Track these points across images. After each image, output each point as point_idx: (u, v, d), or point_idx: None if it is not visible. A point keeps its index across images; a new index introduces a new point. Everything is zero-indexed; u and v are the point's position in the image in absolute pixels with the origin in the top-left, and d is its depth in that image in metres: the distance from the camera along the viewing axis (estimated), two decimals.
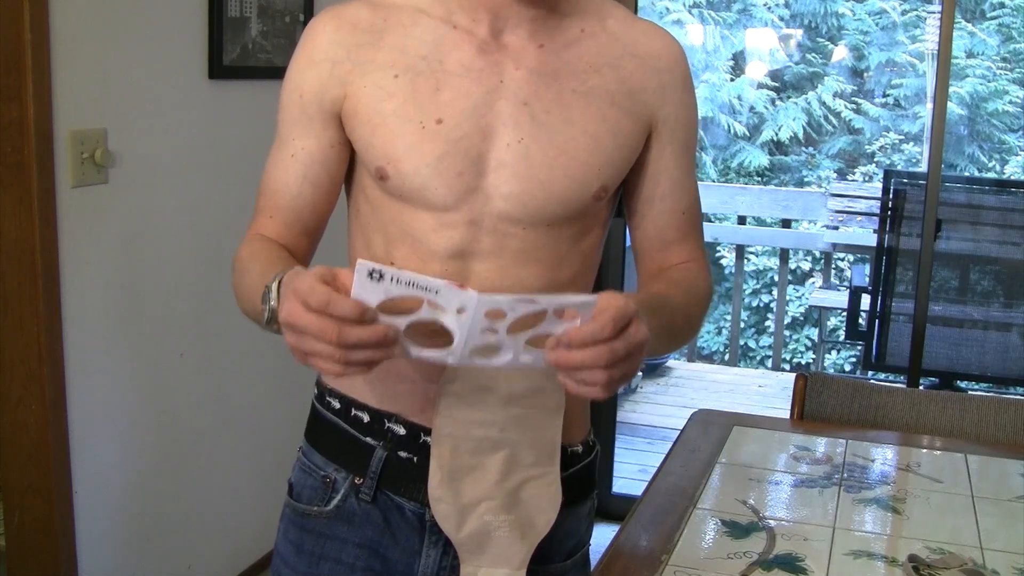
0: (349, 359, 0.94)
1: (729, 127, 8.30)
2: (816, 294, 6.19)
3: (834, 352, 7.03)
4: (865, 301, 4.30)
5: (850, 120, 8.24)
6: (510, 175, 1.14)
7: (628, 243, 3.51)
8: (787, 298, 6.72)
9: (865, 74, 8.38)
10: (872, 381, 2.86)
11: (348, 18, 1.18)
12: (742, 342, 7.27)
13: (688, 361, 5.75)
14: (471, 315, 0.94)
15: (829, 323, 6.75)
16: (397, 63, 1.15)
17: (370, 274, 0.92)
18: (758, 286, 7.66)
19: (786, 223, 6.54)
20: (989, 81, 7.78)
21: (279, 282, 1.04)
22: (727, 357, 6.32)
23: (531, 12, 1.16)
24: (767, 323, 7.50)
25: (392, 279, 0.92)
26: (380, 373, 1.20)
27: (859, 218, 6.20)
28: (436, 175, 1.13)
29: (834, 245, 6.06)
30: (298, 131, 1.20)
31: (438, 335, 0.97)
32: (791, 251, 6.65)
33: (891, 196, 4.04)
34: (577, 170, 1.15)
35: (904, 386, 3.33)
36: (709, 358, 6.74)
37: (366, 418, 1.22)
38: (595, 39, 1.19)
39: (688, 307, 1.21)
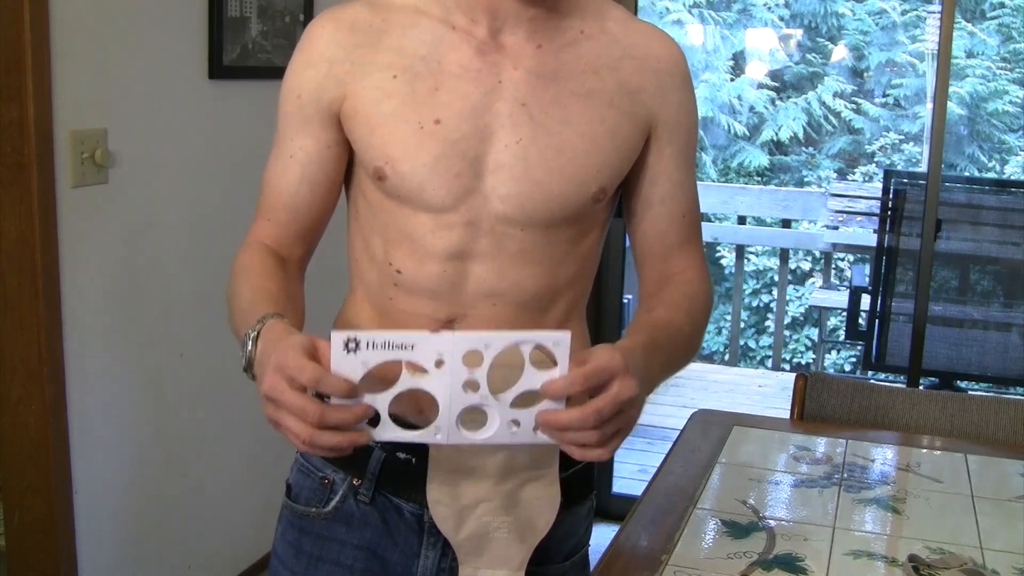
0: (316, 441, 0.95)
1: (729, 127, 8.30)
2: (816, 294, 6.19)
3: (834, 352, 7.03)
4: (865, 301, 4.30)
5: (850, 120, 8.24)
6: (508, 176, 1.14)
7: (627, 242, 3.50)
8: (787, 298, 6.71)
9: (865, 74, 8.38)
10: (872, 381, 2.86)
11: (346, 19, 1.18)
12: (742, 342, 7.27)
13: None
14: (450, 365, 0.95)
15: (829, 323, 6.75)
16: (395, 64, 1.15)
17: (346, 345, 0.93)
18: (758, 286, 7.66)
19: (786, 223, 6.54)
20: (989, 81, 7.78)
21: (257, 333, 1.05)
22: (727, 357, 6.32)
23: (530, 12, 1.16)
24: (767, 323, 7.50)
25: (368, 344, 0.93)
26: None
27: (859, 218, 6.20)
28: (434, 176, 1.13)
29: (834, 245, 6.05)
30: (296, 132, 1.20)
31: (424, 411, 0.98)
32: (791, 251, 6.65)
33: (891, 196, 4.04)
34: (575, 172, 1.15)
35: (904, 386, 3.33)
36: (709, 358, 6.74)
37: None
38: (594, 40, 1.19)
39: (690, 328, 1.20)
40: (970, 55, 7.78)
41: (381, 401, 0.97)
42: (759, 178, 8.38)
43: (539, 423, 0.98)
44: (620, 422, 0.99)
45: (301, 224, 1.23)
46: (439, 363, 0.95)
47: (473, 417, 0.99)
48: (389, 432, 0.98)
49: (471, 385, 0.97)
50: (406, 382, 0.97)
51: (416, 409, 1.19)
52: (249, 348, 1.05)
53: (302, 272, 1.26)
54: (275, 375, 0.95)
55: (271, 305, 1.09)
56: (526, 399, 0.98)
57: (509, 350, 0.96)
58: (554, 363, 0.97)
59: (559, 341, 0.96)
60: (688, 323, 1.20)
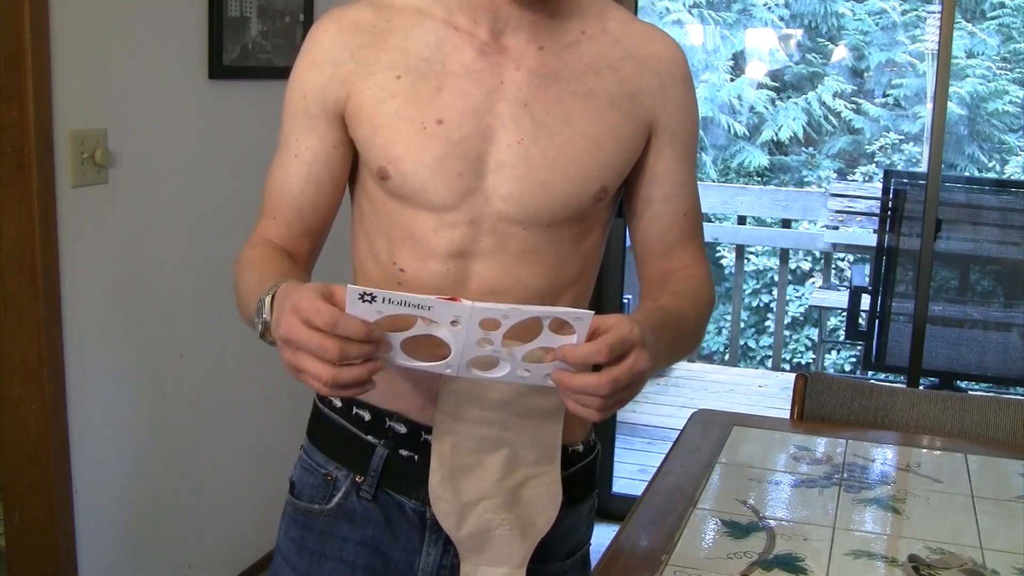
0: (339, 378, 0.94)
1: (729, 127, 8.30)
2: (816, 294, 6.19)
3: (834, 352, 7.03)
4: (865, 301, 4.30)
5: (850, 120, 8.24)
6: (509, 176, 1.14)
7: (629, 243, 3.50)
8: (787, 298, 6.71)
9: (865, 74, 8.38)
10: (872, 381, 2.86)
11: (350, 20, 1.18)
12: (742, 342, 7.27)
13: (688, 361, 5.75)
14: (465, 326, 0.95)
15: (829, 323, 6.75)
16: (399, 64, 1.15)
17: (361, 297, 0.93)
18: (758, 286, 7.66)
19: (786, 223, 6.54)
20: (989, 81, 7.77)
21: (272, 296, 1.04)
22: (727, 357, 6.32)
23: (530, 15, 1.16)
24: (767, 323, 7.50)
25: (384, 300, 0.93)
26: (381, 371, 1.20)
27: (859, 218, 6.20)
28: (436, 175, 1.13)
29: (834, 245, 6.05)
30: (301, 131, 1.20)
31: (436, 348, 0.98)
32: (791, 251, 6.65)
33: (891, 196, 4.04)
34: (576, 172, 1.15)
35: (904, 386, 3.33)
36: (709, 358, 6.74)
37: (367, 416, 1.22)
38: (595, 41, 1.19)
39: (695, 317, 1.21)
40: (970, 55, 7.77)
41: (395, 338, 0.97)
42: (759, 178, 8.38)
43: (555, 382, 0.99)
44: (626, 393, 1.01)
45: (306, 224, 1.23)
46: (454, 323, 0.95)
47: (485, 362, 1.00)
48: (402, 359, 0.99)
49: (485, 340, 0.97)
50: (419, 329, 0.97)
51: (421, 407, 1.20)
52: (265, 314, 1.04)
53: (310, 268, 1.27)
54: (291, 316, 0.95)
55: (281, 280, 1.08)
56: (538, 353, 0.99)
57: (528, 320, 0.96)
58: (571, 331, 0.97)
59: (582, 317, 0.96)
60: (692, 312, 1.20)
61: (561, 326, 0.97)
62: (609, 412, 1.01)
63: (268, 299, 1.04)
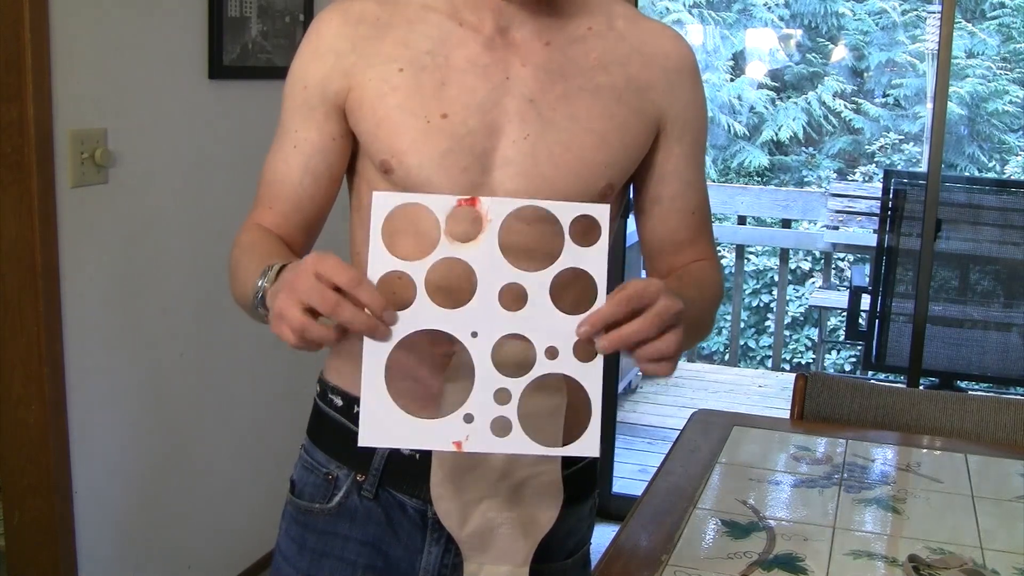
0: (309, 333, 0.97)
1: (729, 127, 8.30)
2: (816, 294, 6.19)
3: (834, 352, 7.03)
4: (865, 301, 4.30)
5: (850, 120, 8.25)
6: (515, 172, 1.14)
7: (627, 242, 3.50)
8: (787, 298, 6.72)
9: (865, 74, 8.39)
10: (872, 381, 2.86)
11: (354, 12, 1.18)
12: (742, 342, 7.27)
13: (688, 361, 5.75)
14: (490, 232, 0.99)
15: (829, 323, 6.75)
16: (401, 57, 1.15)
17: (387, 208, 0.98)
18: (758, 286, 7.66)
19: (786, 223, 6.54)
20: (989, 81, 7.78)
21: (283, 266, 1.05)
22: (727, 357, 6.32)
23: (534, 11, 1.16)
24: (767, 323, 7.50)
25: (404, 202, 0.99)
26: (382, 371, 1.20)
27: (859, 218, 6.20)
28: (441, 170, 1.13)
29: (834, 245, 6.06)
30: (300, 122, 1.20)
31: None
32: (791, 251, 6.65)
33: (891, 196, 4.04)
34: (583, 168, 1.15)
35: (904, 386, 3.33)
36: (709, 358, 6.74)
37: None
38: (602, 37, 1.19)
39: (703, 302, 1.21)
40: (970, 55, 7.78)
41: (417, 270, 0.99)
42: (759, 178, 8.39)
43: (601, 346, 0.99)
44: (672, 337, 1.00)
45: (303, 215, 1.23)
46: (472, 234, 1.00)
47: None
48: (424, 316, 0.99)
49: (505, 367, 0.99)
50: (445, 250, 0.99)
51: (421, 406, 1.19)
52: (272, 274, 1.05)
53: None
54: (305, 270, 0.96)
55: (287, 261, 1.08)
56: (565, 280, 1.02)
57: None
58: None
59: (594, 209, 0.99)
60: (700, 298, 1.19)
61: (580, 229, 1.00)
62: (673, 359, 1.01)
63: (277, 267, 1.05)
